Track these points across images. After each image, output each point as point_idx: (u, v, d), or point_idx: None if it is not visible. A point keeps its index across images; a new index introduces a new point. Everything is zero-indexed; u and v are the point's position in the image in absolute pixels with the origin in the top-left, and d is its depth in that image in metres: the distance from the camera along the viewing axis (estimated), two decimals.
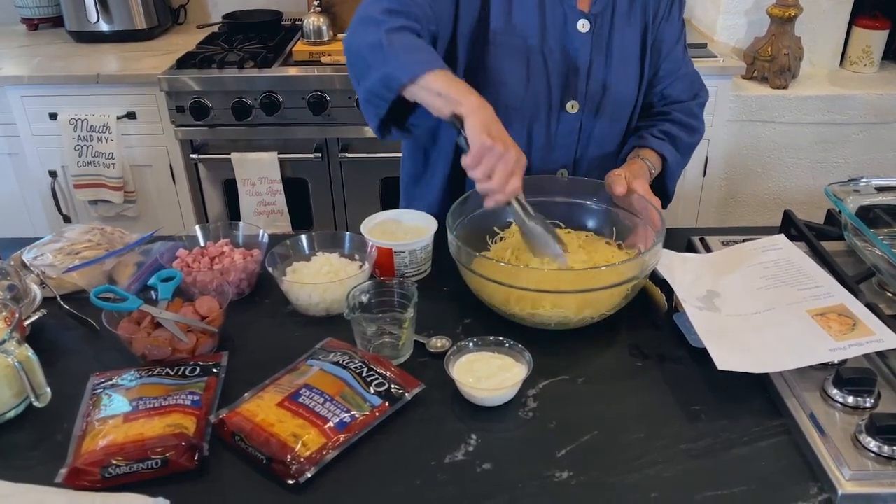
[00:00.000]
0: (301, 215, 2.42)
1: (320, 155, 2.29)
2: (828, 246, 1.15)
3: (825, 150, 2.36)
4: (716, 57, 2.25)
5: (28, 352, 0.86)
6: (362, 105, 1.11)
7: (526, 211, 1.05)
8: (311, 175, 2.36)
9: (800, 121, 2.31)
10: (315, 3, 2.41)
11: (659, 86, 1.29)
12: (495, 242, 1.18)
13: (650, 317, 1.08)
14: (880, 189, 1.16)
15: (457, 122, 0.99)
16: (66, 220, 2.45)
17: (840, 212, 1.14)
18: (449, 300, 1.11)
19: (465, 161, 0.98)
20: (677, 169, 1.28)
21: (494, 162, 0.97)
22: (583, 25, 1.18)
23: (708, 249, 1.18)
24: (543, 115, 1.22)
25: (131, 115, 2.28)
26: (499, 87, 1.18)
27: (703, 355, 0.94)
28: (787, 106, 2.28)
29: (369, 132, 2.27)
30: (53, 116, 2.27)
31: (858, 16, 2.40)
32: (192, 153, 2.29)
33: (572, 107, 1.22)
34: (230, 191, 2.38)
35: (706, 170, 2.37)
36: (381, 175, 2.35)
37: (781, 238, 1.13)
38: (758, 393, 0.92)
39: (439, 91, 0.99)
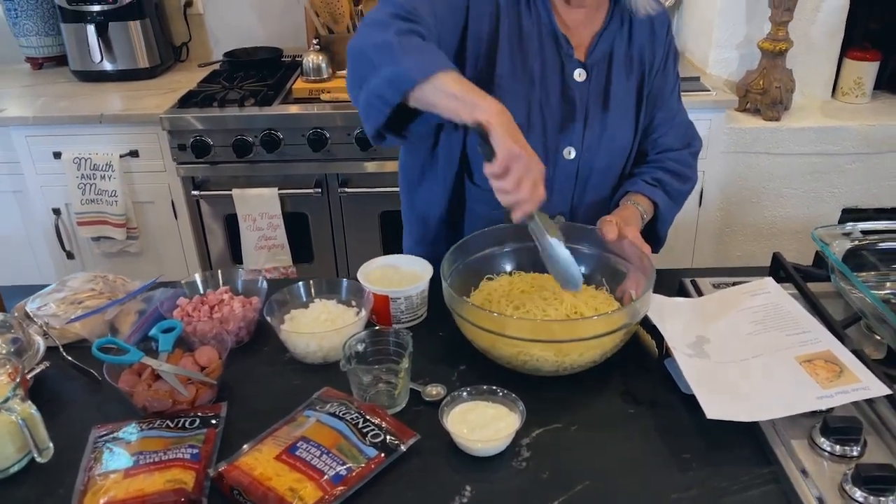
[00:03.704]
0: (302, 249, 2.45)
1: (320, 190, 2.33)
2: (816, 288, 1.17)
3: (818, 180, 2.38)
4: (709, 90, 2.28)
5: (31, 409, 0.88)
6: (362, 109, 1.07)
7: (546, 226, 1.03)
8: (311, 209, 2.39)
9: (793, 152, 2.33)
10: (314, 40, 2.46)
11: (653, 134, 1.31)
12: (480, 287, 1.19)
13: (642, 361, 1.09)
14: (867, 233, 1.19)
15: (478, 128, 0.95)
16: (70, 256, 2.48)
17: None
18: (444, 345, 1.13)
19: (491, 170, 0.95)
20: (669, 215, 1.30)
21: (523, 171, 0.94)
22: (579, 75, 1.20)
23: (699, 292, 1.20)
24: (541, 160, 1.23)
25: (134, 154, 2.32)
26: None
27: (693, 401, 0.95)
28: (781, 137, 2.31)
29: (369, 167, 2.31)
30: (57, 155, 2.30)
31: (849, 47, 2.44)
32: (194, 190, 2.33)
33: (569, 153, 1.23)
34: (231, 226, 2.41)
35: (702, 200, 2.39)
36: (381, 209, 2.38)
37: (770, 281, 1.15)
38: (747, 440, 0.93)
39: (454, 93, 0.96)
